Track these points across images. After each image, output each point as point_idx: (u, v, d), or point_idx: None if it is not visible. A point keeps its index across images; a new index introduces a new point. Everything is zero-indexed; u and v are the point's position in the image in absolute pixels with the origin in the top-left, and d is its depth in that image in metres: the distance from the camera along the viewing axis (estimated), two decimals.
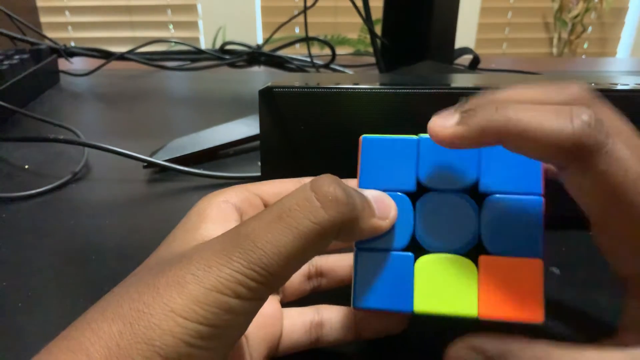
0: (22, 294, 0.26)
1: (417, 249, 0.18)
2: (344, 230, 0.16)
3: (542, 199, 0.18)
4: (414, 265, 0.18)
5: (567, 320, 0.24)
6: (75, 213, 0.34)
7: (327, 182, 0.16)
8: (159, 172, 0.41)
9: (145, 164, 0.40)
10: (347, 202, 0.16)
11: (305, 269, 0.23)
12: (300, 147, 0.29)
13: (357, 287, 0.18)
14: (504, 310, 0.17)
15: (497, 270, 0.17)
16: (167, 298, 0.14)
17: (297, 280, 0.23)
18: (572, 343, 0.16)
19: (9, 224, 0.33)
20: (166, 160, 0.40)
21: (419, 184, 0.18)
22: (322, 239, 0.15)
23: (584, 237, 0.30)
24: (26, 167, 0.42)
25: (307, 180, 0.22)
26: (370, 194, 0.18)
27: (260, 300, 0.15)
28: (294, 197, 0.16)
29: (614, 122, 0.17)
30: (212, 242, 0.16)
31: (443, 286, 0.18)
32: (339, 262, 0.23)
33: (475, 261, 0.18)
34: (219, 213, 0.19)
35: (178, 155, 0.41)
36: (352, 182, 0.19)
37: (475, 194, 0.18)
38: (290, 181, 0.22)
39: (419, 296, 0.18)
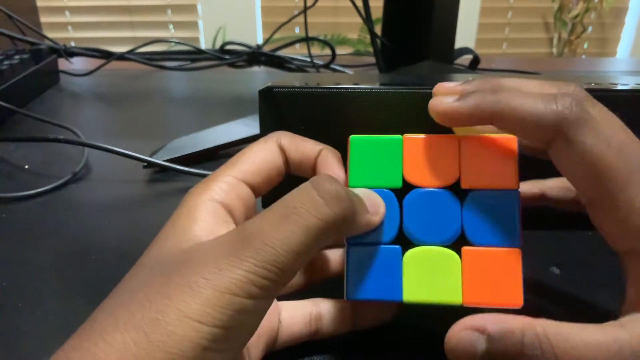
0: (22, 294, 0.26)
1: (405, 242, 0.19)
2: (344, 225, 0.17)
3: (519, 191, 0.19)
4: (402, 257, 0.19)
5: (567, 320, 0.24)
6: (75, 213, 0.34)
7: (328, 180, 0.17)
8: (159, 172, 0.41)
9: (145, 164, 0.40)
10: (348, 198, 0.17)
11: None
12: None
13: (349, 280, 0.19)
14: (485, 297, 0.18)
15: (479, 260, 0.19)
16: (181, 304, 0.14)
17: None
18: (572, 323, 0.16)
19: (9, 223, 0.33)
20: (166, 160, 0.40)
21: (404, 180, 0.20)
22: (327, 234, 0.16)
23: (584, 237, 0.30)
24: (26, 167, 0.42)
25: (283, 141, 0.21)
26: (360, 192, 0.19)
27: (270, 298, 0.16)
28: (298, 195, 0.16)
29: (605, 116, 0.17)
30: (217, 243, 0.16)
31: (429, 276, 0.19)
32: (329, 256, 0.24)
33: (459, 252, 0.19)
34: (207, 214, 0.19)
35: (178, 155, 0.41)
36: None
37: (458, 190, 0.19)
38: (268, 149, 0.21)
39: (408, 286, 0.19)
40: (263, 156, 0.21)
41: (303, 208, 0.16)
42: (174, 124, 0.54)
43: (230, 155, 0.46)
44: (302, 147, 0.22)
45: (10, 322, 0.24)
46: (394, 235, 0.19)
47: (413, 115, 0.28)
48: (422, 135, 0.20)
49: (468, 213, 0.19)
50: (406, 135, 0.20)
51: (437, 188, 0.19)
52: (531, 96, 0.17)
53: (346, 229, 0.18)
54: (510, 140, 0.19)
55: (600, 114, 0.17)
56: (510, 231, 0.19)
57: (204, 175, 0.39)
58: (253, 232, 0.15)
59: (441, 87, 0.20)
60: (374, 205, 0.19)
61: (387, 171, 0.20)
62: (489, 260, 0.18)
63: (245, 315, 0.15)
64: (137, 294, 0.15)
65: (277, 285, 0.15)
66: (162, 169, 0.40)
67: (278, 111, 0.28)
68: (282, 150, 0.21)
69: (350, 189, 0.18)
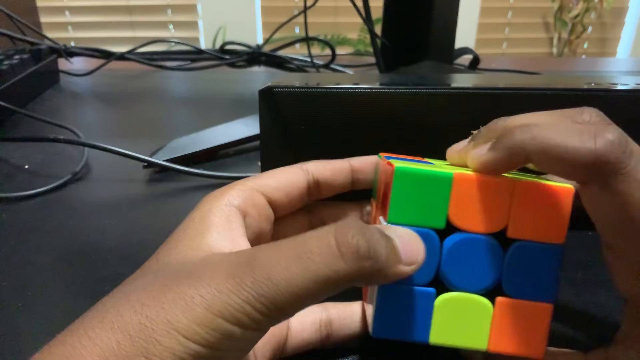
0: (22, 294, 0.26)
1: (438, 282, 0.18)
2: (362, 280, 0.16)
3: (564, 246, 0.18)
4: (434, 300, 0.18)
5: (567, 320, 0.24)
6: (75, 213, 0.34)
7: (352, 233, 0.15)
8: (159, 172, 0.41)
9: (145, 164, 0.40)
10: (369, 256, 0.15)
11: None
12: (301, 147, 0.29)
13: (377, 317, 0.18)
14: (510, 346, 0.18)
15: (511, 311, 0.18)
16: (172, 316, 0.14)
17: None
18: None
19: (9, 224, 0.33)
20: (166, 160, 0.40)
21: (448, 221, 0.18)
22: (337, 286, 0.15)
23: (584, 237, 0.30)
24: (26, 167, 0.42)
25: (308, 165, 0.22)
26: (400, 235, 0.17)
27: (262, 331, 0.15)
28: (317, 239, 0.15)
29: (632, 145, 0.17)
30: (223, 262, 0.15)
31: (459, 321, 0.18)
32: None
33: (492, 300, 0.18)
34: (221, 219, 0.18)
35: (178, 155, 0.41)
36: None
37: (503, 237, 0.18)
38: (292, 171, 0.22)
39: (436, 329, 0.18)
40: (285, 175, 0.21)
41: (318, 255, 0.15)
42: (174, 124, 0.54)
43: (230, 155, 0.47)
44: (331, 164, 0.22)
45: (11, 322, 0.24)
46: (430, 279, 0.18)
47: (413, 115, 0.28)
48: (475, 175, 0.18)
49: (509, 264, 0.18)
50: (457, 173, 0.18)
51: (482, 234, 0.18)
52: (565, 130, 0.16)
53: (367, 282, 0.16)
54: (566, 191, 0.18)
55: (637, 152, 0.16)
56: (548, 286, 0.18)
57: (204, 176, 0.39)
58: (261, 261, 0.15)
59: (473, 152, 0.19)
60: (412, 254, 0.17)
61: (431, 209, 0.18)
62: (520, 312, 0.18)
63: (233, 342, 0.14)
64: (131, 295, 0.15)
65: (271, 321, 0.15)
66: (162, 169, 0.40)
67: (278, 111, 0.28)
68: (308, 173, 0.22)
69: (387, 231, 0.17)
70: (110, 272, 0.28)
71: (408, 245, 0.17)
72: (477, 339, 0.18)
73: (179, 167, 0.39)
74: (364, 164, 0.23)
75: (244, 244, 0.18)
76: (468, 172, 0.18)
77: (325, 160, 0.22)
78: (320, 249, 0.15)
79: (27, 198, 0.36)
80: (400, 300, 0.18)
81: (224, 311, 0.14)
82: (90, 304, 0.16)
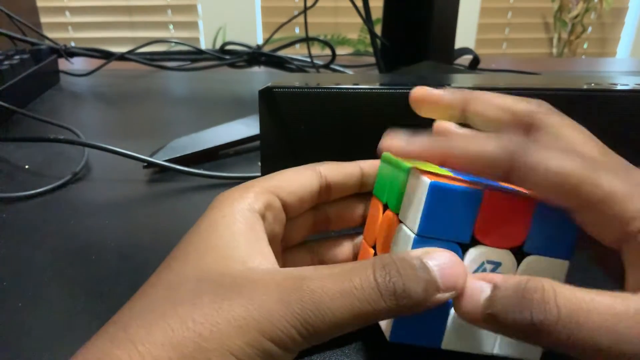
0: (22, 294, 0.26)
1: None
2: (403, 313, 0.16)
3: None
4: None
5: None
6: (76, 213, 0.34)
7: (393, 271, 0.16)
8: (159, 172, 0.41)
9: (145, 164, 0.40)
10: (406, 295, 0.16)
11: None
12: (300, 147, 0.29)
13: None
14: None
15: None
16: (227, 337, 0.15)
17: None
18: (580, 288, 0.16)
19: (9, 224, 0.33)
20: (166, 161, 0.40)
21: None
22: (376, 319, 0.16)
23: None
24: (26, 167, 0.42)
25: (321, 168, 0.22)
26: (440, 263, 0.17)
27: (296, 353, 0.16)
28: (359, 277, 0.16)
29: (562, 125, 0.18)
30: (271, 285, 0.16)
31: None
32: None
33: None
34: (247, 227, 0.19)
35: (178, 155, 0.41)
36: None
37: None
38: (306, 173, 0.22)
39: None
40: (299, 179, 0.21)
41: (361, 293, 0.16)
42: (174, 124, 0.54)
43: (230, 156, 0.47)
44: (342, 167, 0.22)
45: (11, 322, 0.24)
46: None
47: (413, 115, 0.28)
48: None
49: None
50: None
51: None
52: (480, 138, 0.18)
53: (407, 314, 0.17)
54: None
55: (556, 124, 0.18)
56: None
57: (204, 176, 0.39)
58: (309, 290, 0.16)
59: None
60: (451, 282, 0.17)
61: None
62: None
63: None
64: (178, 308, 0.15)
65: (307, 344, 0.16)
66: (162, 169, 0.40)
67: (278, 111, 0.28)
68: (321, 176, 0.22)
69: (428, 263, 0.17)
70: (110, 272, 0.28)
71: (448, 274, 0.17)
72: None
73: (179, 167, 0.39)
74: (373, 168, 0.23)
75: (269, 255, 0.19)
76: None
77: (337, 163, 0.23)
78: (362, 286, 0.16)
79: (28, 198, 0.36)
80: None
81: (272, 334, 0.15)
82: (90, 304, 0.16)
